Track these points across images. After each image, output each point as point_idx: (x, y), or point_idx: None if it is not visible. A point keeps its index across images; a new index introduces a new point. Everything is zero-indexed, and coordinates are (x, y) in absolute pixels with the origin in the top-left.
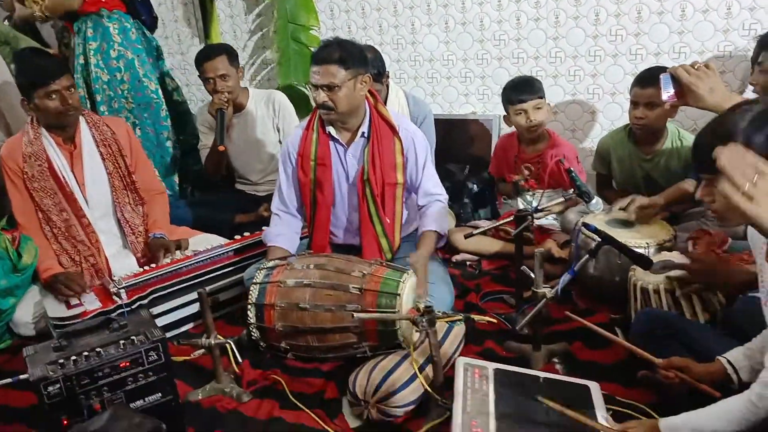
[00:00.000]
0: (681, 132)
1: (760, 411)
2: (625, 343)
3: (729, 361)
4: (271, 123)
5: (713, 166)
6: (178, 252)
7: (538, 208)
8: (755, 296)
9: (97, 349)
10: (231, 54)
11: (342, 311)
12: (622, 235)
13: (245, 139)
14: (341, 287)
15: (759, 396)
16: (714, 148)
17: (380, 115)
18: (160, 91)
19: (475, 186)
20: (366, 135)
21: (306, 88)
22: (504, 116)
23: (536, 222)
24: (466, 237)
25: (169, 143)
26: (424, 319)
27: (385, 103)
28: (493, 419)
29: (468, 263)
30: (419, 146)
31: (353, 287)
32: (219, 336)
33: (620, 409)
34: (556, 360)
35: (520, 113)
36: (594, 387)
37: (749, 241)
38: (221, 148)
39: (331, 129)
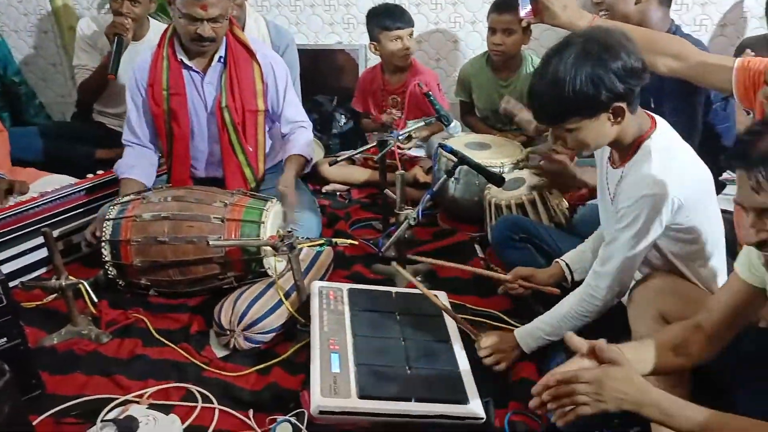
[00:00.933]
0: (534, 59)
1: (594, 303)
2: (475, 269)
3: (566, 263)
4: None
5: (556, 118)
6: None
7: (401, 133)
8: (594, 203)
9: None
10: None
11: (204, 242)
12: (478, 156)
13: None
14: (202, 218)
15: (588, 294)
16: (547, 97)
17: (237, 38)
18: None
19: (343, 117)
20: (223, 60)
21: (159, 18)
22: (371, 44)
23: (402, 150)
24: (330, 164)
25: None
26: (284, 244)
27: (243, 30)
28: (350, 335)
29: (338, 193)
30: (279, 72)
31: (214, 217)
32: (71, 277)
33: (475, 317)
34: (419, 278)
35: (396, 40)
36: (442, 296)
37: (596, 157)
38: (111, 77)
39: (183, 56)
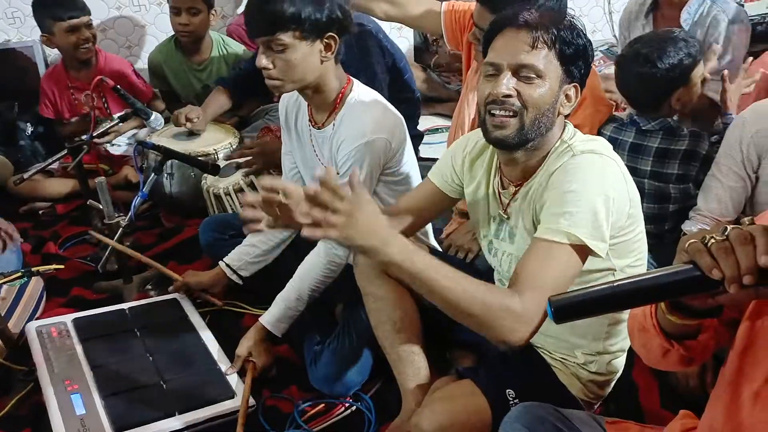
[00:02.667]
0: (226, 39)
1: (339, 263)
2: (152, 263)
3: (227, 264)
4: None
5: (273, 26)
6: None
7: (93, 135)
8: None
9: None
10: None
11: None
12: (188, 147)
13: None
14: None
15: (330, 261)
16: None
17: None
18: None
19: (29, 125)
20: None
21: None
22: (43, 37)
23: (110, 150)
24: (16, 184)
25: None
26: None
27: None
28: (88, 369)
29: (41, 211)
30: None
31: None
32: None
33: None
34: (149, 287)
35: (71, 31)
36: (182, 297)
37: (293, 132)
38: None
39: None
